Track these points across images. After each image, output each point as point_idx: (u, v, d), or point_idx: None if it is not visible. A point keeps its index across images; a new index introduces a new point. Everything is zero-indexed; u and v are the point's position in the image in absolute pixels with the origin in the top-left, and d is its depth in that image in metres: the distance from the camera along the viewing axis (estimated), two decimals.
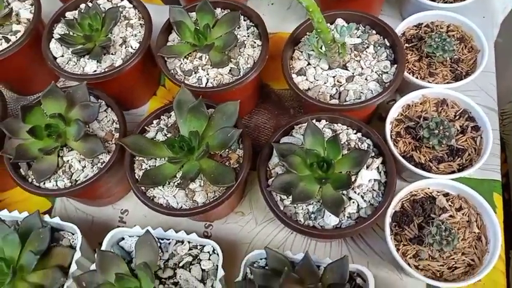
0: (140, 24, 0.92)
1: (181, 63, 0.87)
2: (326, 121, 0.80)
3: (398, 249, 0.75)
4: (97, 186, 0.78)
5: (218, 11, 0.91)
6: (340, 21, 0.88)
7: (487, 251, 0.75)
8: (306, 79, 0.85)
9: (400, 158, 0.80)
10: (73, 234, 0.76)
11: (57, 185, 0.77)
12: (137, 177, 0.77)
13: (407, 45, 0.93)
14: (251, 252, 0.72)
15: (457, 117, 0.85)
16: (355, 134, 0.78)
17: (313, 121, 0.77)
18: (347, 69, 0.84)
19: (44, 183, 0.77)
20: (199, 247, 0.74)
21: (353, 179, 0.72)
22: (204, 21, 0.86)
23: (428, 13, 0.94)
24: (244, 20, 0.91)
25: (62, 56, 0.90)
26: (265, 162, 0.77)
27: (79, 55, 0.87)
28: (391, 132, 0.85)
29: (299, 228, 0.71)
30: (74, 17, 0.92)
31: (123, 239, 0.75)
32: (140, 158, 0.79)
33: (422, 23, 0.95)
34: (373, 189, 0.73)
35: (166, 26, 0.90)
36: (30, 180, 0.79)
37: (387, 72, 0.83)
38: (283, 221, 0.72)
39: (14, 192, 0.95)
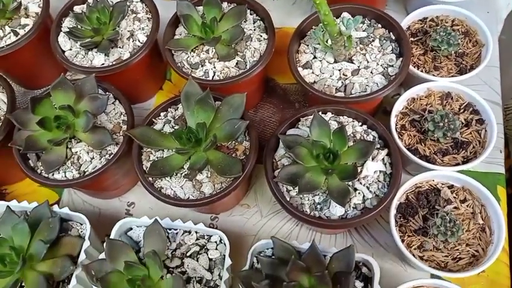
0: (148, 18, 0.93)
1: (188, 57, 0.87)
2: (332, 113, 0.80)
3: (402, 240, 0.76)
4: (104, 177, 0.79)
5: (224, 5, 0.92)
6: (346, 15, 0.89)
7: (491, 242, 0.75)
8: (312, 72, 0.86)
9: (405, 150, 0.81)
10: (81, 225, 0.77)
11: (65, 176, 0.78)
12: (144, 169, 0.78)
13: (412, 39, 0.93)
14: (256, 243, 0.73)
15: (462, 110, 0.86)
16: (360, 126, 0.79)
17: (320, 113, 0.78)
18: (352, 63, 0.85)
19: (53, 174, 0.78)
20: (206, 237, 0.75)
21: (358, 170, 0.73)
22: (211, 14, 0.87)
23: (433, 7, 0.95)
24: (251, 14, 0.92)
25: (70, 49, 0.90)
26: (271, 154, 0.77)
27: (87, 48, 0.88)
28: (396, 125, 0.85)
29: (305, 219, 0.71)
30: (82, 11, 0.93)
31: (131, 229, 0.76)
32: (148, 150, 0.79)
33: (427, 17, 0.96)
34: (378, 180, 0.74)
35: (173, 20, 0.91)
36: (39, 171, 0.79)
37: (392, 66, 0.84)
38: (289, 212, 0.72)
39: (22, 185, 0.96)
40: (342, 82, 0.84)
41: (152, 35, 0.89)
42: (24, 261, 0.68)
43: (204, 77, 0.85)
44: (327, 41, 0.84)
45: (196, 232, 0.75)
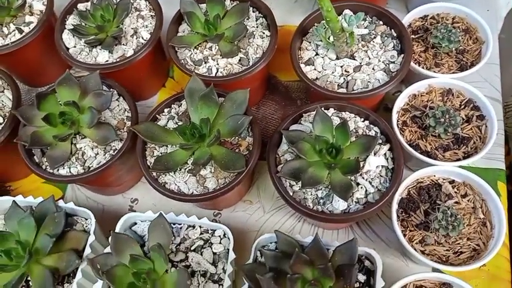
0: (151, 15, 0.94)
1: (192, 53, 0.88)
2: (334, 109, 0.81)
3: (404, 235, 0.76)
4: (109, 173, 0.80)
5: (227, 2, 0.93)
6: (348, 12, 0.90)
7: (492, 236, 0.76)
8: (315, 69, 0.87)
9: (407, 146, 0.82)
10: (86, 220, 0.78)
11: (70, 172, 0.79)
12: (148, 164, 0.79)
13: (413, 36, 0.94)
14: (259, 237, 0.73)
15: (462, 106, 0.87)
16: (363, 121, 0.80)
17: (322, 109, 0.78)
18: (354, 59, 0.86)
19: (58, 170, 0.79)
20: (210, 231, 0.75)
21: (361, 165, 0.74)
22: (214, 11, 0.88)
23: (433, 5, 0.96)
24: (253, 12, 0.92)
25: (75, 46, 0.91)
26: (274, 149, 0.78)
27: (91, 45, 0.89)
28: (397, 121, 0.86)
29: (308, 213, 0.72)
30: (86, 8, 0.94)
31: (135, 223, 0.77)
32: (152, 145, 0.80)
33: (427, 15, 0.97)
34: (380, 175, 0.75)
35: (177, 17, 0.92)
36: (44, 167, 0.80)
37: (394, 62, 0.85)
38: (292, 206, 0.73)
39: (26, 182, 0.97)
40: (344, 78, 0.85)
41: (156, 32, 0.90)
42: (31, 255, 0.68)
43: (207, 74, 0.86)
44: (329, 38, 0.85)
45: (200, 226, 0.75)
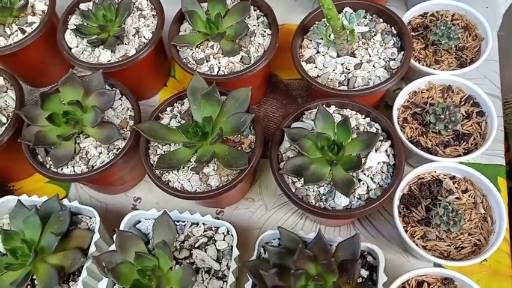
0: (153, 15, 0.95)
1: (193, 52, 0.89)
2: (336, 107, 0.82)
3: (406, 231, 0.77)
4: (112, 171, 0.81)
5: (228, 1, 0.94)
6: (348, 10, 0.90)
7: (493, 231, 0.77)
8: (316, 67, 0.87)
9: (408, 142, 0.82)
10: (91, 218, 0.79)
11: (74, 171, 0.79)
12: (152, 163, 0.80)
13: (413, 33, 0.95)
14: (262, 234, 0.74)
15: (462, 103, 0.88)
16: (364, 118, 0.80)
17: (323, 106, 0.79)
18: (355, 57, 0.87)
19: (62, 169, 0.79)
20: (213, 228, 0.76)
21: (362, 162, 0.74)
22: (216, 10, 0.88)
23: (433, 2, 0.97)
24: (254, 10, 0.93)
25: (77, 46, 0.92)
26: (276, 147, 0.79)
27: (94, 45, 0.90)
28: (398, 118, 0.87)
29: (311, 210, 0.73)
30: (88, 8, 0.94)
31: (140, 221, 0.77)
32: (155, 144, 0.81)
33: (427, 12, 0.98)
34: (382, 171, 0.75)
35: (178, 16, 0.92)
36: (48, 166, 0.81)
37: (394, 59, 0.86)
38: (295, 203, 0.74)
39: (30, 181, 0.97)
40: (345, 76, 0.85)
41: (158, 31, 0.91)
42: (36, 253, 0.69)
43: (209, 72, 0.87)
44: (329, 36, 0.86)
45: (204, 224, 0.76)
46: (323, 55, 0.88)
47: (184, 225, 0.76)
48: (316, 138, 0.74)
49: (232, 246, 0.73)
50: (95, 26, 0.90)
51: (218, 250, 0.74)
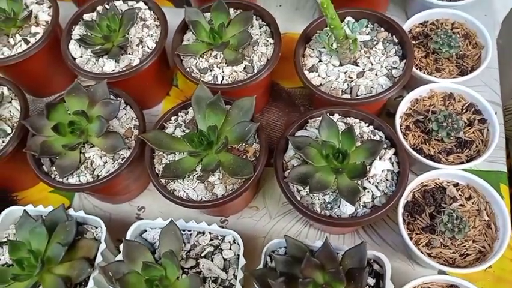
0: (156, 25, 0.95)
1: (197, 62, 0.89)
2: (339, 115, 0.82)
3: (411, 238, 0.77)
4: (117, 181, 0.81)
5: (231, 11, 0.94)
6: (350, 19, 0.91)
7: (497, 238, 0.77)
8: (318, 75, 0.88)
9: (411, 150, 0.83)
10: (96, 228, 0.78)
11: (80, 181, 0.79)
12: (157, 172, 0.80)
13: (414, 42, 0.96)
14: (269, 243, 0.74)
15: (464, 110, 0.88)
16: (367, 127, 0.81)
17: (327, 115, 0.80)
18: (357, 65, 0.87)
19: (67, 179, 0.80)
20: (219, 237, 0.76)
21: (367, 170, 0.75)
22: (219, 20, 0.89)
23: (433, 11, 0.98)
24: (257, 20, 0.94)
25: (81, 56, 0.92)
26: (281, 155, 0.79)
27: (98, 55, 0.90)
28: (401, 126, 0.87)
29: (317, 218, 0.73)
30: (92, 19, 0.95)
31: (145, 231, 0.77)
32: (160, 153, 0.81)
33: (427, 21, 0.99)
34: (386, 179, 0.76)
35: (181, 26, 0.93)
36: (53, 176, 0.81)
37: (396, 68, 0.86)
38: (301, 211, 0.74)
39: (33, 191, 0.97)
40: (347, 84, 0.86)
41: (161, 41, 0.91)
42: (43, 264, 0.69)
43: (212, 82, 0.87)
44: (332, 45, 0.87)
45: (210, 233, 0.76)
46: (326, 64, 0.89)
47: (190, 235, 0.76)
48: (321, 147, 0.75)
49: (238, 255, 0.73)
50: (99, 36, 0.90)
51: (224, 259, 0.74)
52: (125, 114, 0.86)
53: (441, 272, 0.76)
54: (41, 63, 0.96)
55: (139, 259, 0.68)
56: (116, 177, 0.78)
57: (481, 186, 0.81)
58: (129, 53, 0.91)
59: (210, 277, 0.72)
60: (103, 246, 0.74)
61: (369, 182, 0.75)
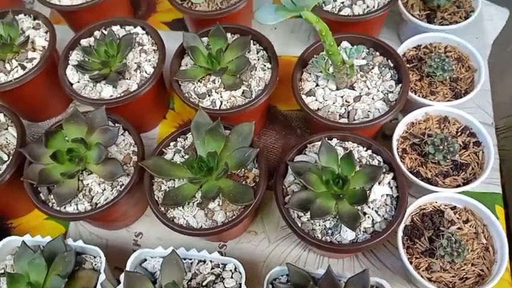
0: (154, 50, 0.95)
1: (195, 87, 0.90)
2: (338, 139, 0.83)
3: (410, 262, 0.78)
4: (116, 208, 0.80)
5: (228, 36, 0.95)
6: (346, 44, 0.92)
7: (495, 261, 0.78)
8: (316, 100, 0.89)
9: (408, 173, 0.84)
10: (95, 257, 0.77)
11: (77, 209, 0.78)
12: (156, 199, 0.79)
13: (408, 65, 0.97)
14: (268, 269, 0.73)
15: (459, 133, 0.90)
16: (365, 151, 0.82)
17: (326, 139, 0.80)
18: (354, 89, 0.88)
19: (65, 207, 0.79)
20: (221, 265, 0.75)
21: (367, 195, 0.75)
22: (217, 45, 0.90)
23: (425, 35, 1.00)
24: (254, 44, 0.95)
25: (78, 81, 0.92)
26: (281, 180, 0.79)
27: (96, 81, 0.90)
28: (397, 149, 0.88)
29: (318, 244, 0.73)
30: (89, 44, 0.95)
31: (145, 260, 0.77)
32: (159, 180, 0.81)
33: (420, 45, 1.01)
34: (386, 204, 0.76)
35: (179, 51, 0.93)
36: (50, 204, 0.80)
37: (392, 92, 0.88)
38: (302, 238, 0.74)
39: (28, 218, 0.95)
40: (345, 108, 0.87)
41: (159, 66, 0.91)
42: None
43: (211, 107, 0.88)
44: (328, 69, 0.88)
45: (211, 261, 0.75)
46: (323, 88, 0.90)
47: (191, 263, 0.75)
48: (321, 172, 0.75)
49: (240, 284, 0.72)
50: (97, 62, 0.90)
51: None
52: (123, 140, 0.85)
53: None
54: (38, 88, 0.95)
55: None
56: (115, 205, 0.78)
57: (478, 209, 0.82)
58: (127, 78, 0.91)
59: None
60: (102, 277, 0.72)
61: (369, 207, 0.75)
